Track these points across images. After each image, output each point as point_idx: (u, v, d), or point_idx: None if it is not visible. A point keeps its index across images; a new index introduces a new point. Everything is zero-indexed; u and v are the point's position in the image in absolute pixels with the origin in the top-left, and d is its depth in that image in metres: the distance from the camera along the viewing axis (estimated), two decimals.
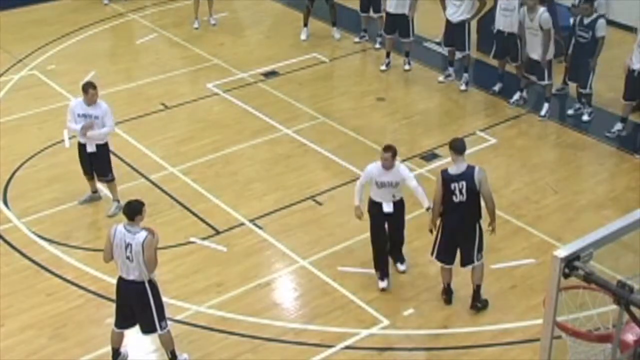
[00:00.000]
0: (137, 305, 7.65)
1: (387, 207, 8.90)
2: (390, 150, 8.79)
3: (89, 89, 9.81)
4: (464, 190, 8.24)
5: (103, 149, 10.03)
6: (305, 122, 12.38)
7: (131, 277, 7.51)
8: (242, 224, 10.12)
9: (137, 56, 14.45)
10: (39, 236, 9.84)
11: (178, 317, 8.55)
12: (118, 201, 10.16)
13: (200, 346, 8.32)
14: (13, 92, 13.06)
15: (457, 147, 8.37)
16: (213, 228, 10.04)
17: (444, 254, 8.63)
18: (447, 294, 8.90)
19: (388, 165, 8.76)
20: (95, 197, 10.43)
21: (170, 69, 13.85)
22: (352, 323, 8.62)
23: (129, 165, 11.19)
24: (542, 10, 11.97)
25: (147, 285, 7.55)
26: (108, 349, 8.03)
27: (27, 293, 9.00)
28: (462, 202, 8.28)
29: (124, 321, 7.81)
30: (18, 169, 11.08)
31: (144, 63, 14.10)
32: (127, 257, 7.44)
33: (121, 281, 7.64)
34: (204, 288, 9.09)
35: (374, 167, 8.86)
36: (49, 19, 15.57)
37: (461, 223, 8.43)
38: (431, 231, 8.64)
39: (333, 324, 8.62)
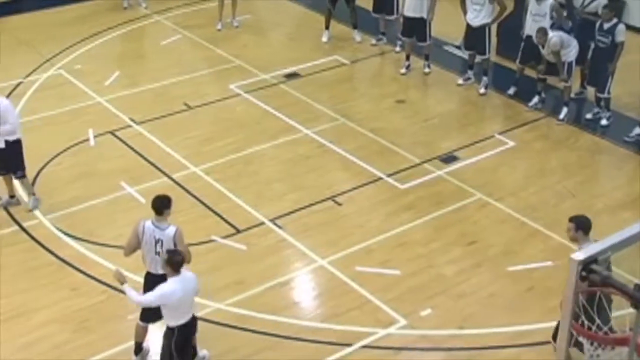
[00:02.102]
0: None
1: None
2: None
3: None
4: None
5: (13, 146, 9.92)
6: (325, 123, 12.48)
7: (161, 272, 7.59)
8: (262, 223, 10.23)
9: (161, 57, 14.60)
10: (64, 233, 9.99)
11: (198, 314, 8.65)
12: (34, 194, 10.32)
13: (220, 343, 8.42)
14: (40, 91, 13.24)
15: (589, 226, 7.54)
16: (234, 227, 10.16)
17: None
18: None
19: None
20: (12, 201, 10.31)
21: (194, 70, 14.00)
22: (370, 322, 8.69)
23: (152, 164, 11.35)
24: (550, 36, 12.06)
25: None
26: (130, 343, 8.16)
27: (52, 288, 9.16)
28: None
29: (150, 314, 7.90)
30: (44, 166, 11.22)
31: (168, 64, 14.24)
32: (157, 253, 7.57)
33: (149, 276, 7.76)
34: (224, 286, 9.19)
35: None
36: (77, 19, 15.75)
37: None
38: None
39: (351, 323, 8.70)
